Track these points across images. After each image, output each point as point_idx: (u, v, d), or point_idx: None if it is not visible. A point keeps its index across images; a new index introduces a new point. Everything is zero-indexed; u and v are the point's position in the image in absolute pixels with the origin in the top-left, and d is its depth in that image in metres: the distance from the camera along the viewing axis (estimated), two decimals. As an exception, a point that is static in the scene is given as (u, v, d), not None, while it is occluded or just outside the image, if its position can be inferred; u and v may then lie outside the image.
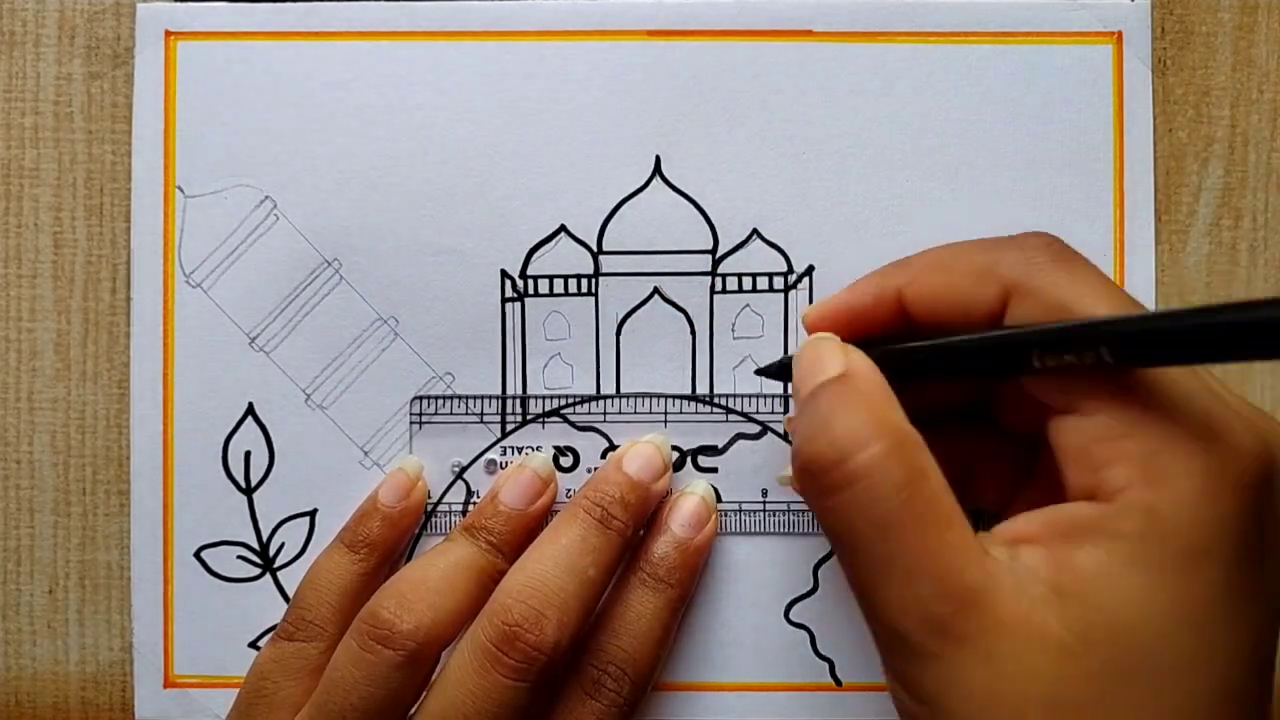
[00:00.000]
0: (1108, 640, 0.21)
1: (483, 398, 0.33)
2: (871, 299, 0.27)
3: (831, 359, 0.25)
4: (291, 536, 0.33)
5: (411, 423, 0.33)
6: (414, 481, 0.33)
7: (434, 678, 0.29)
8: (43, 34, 0.34)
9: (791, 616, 0.33)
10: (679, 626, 0.33)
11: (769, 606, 0.33)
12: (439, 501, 0.33)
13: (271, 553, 0.34)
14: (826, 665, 0.33)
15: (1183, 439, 0.22)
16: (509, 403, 0.33)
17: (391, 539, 0.32)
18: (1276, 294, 0.34)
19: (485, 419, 0.33)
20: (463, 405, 0.33)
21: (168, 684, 0.34)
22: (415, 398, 0.33)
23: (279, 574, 0.34)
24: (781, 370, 0.31)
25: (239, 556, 0.33)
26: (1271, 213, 0.34)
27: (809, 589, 0.33)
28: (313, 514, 0.33)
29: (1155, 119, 0.34)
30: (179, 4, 0.34)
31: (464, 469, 0.33)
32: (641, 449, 0.32)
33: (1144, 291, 0.33)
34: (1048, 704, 0.21)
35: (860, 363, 0.25)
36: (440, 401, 0.33)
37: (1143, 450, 0.22)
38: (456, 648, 0.29)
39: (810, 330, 0.28)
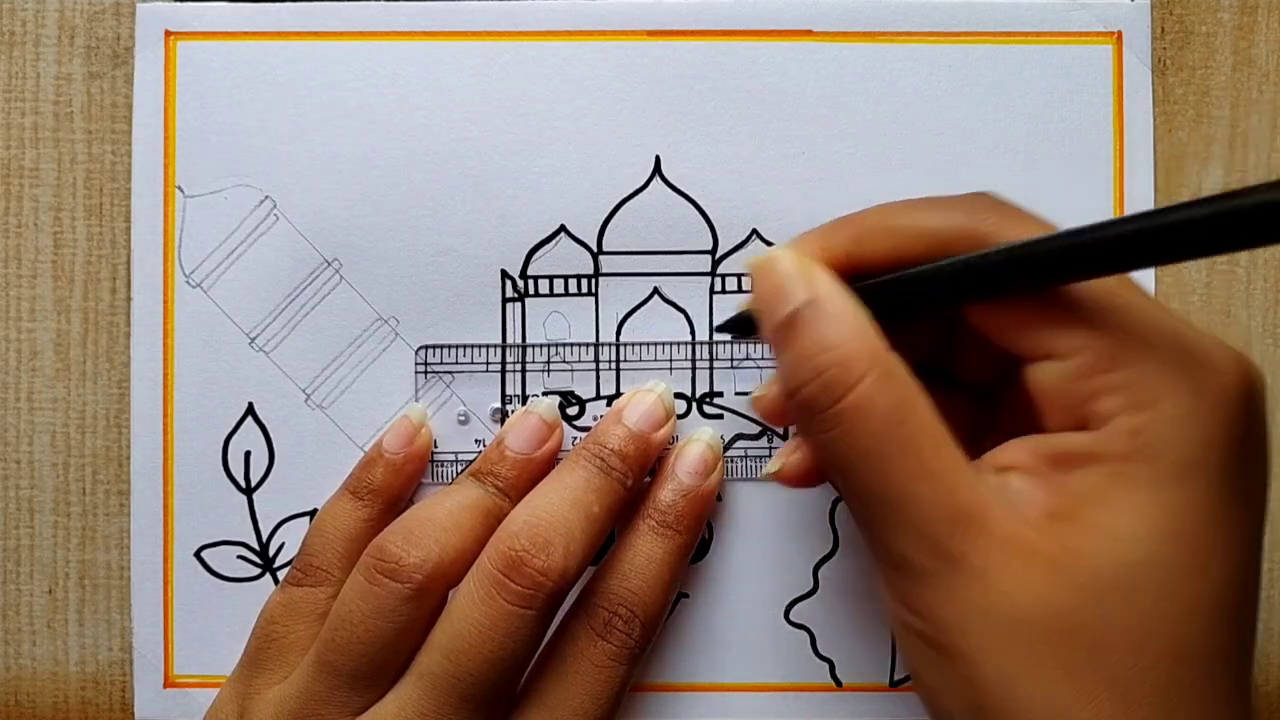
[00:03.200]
0: (1098, 555, 0.22)
1: (487, 346, 0.33)
2: (815, 259, 0.27)
3: (795, 283, 0.25)
4: (291, 536, 0.33)
5: (417, 371, 0.33)
6: (418, 428, 0.33)
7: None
8: (43, 34, 0.34)
9: (791, 617, 0.33)
10: (682, 627, 0.33)
11: (769, 606, 0.33)
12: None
13: (271, 553, 0.34)
14: (826, 665, 0.33)
15: (1164, 364, 0.22)
16: (509, 359, 0.33)
17: (396, 486, 0.32)
18: (1270, 295, 0.34)
19: (490, 368, 0.33)
20: (468, 354, 0.33)
21: (168, 684, 0.34)
22: (421, 346, 0.33)
23: (279, 574, 0.34)
24: (743, 325, 0.31)
25: (239, 556, 0.33)
26: (1271, 213, 0.34)
27: (809, 589, 0.33)
28: (313, 514, 0.33)
29: (1155, 119, 0.34)
30: (179, 4, 0.34)
31: (468, 416, 0.34)
32: (642, 398, 0.32)
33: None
34: (1041, 617, 0.22)
35: (829, 284, 0.25)
36: (445, 350, 0.33)
37: (1127, 379, 0.23)
38: (463, 581, 0.29)
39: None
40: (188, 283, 0.33)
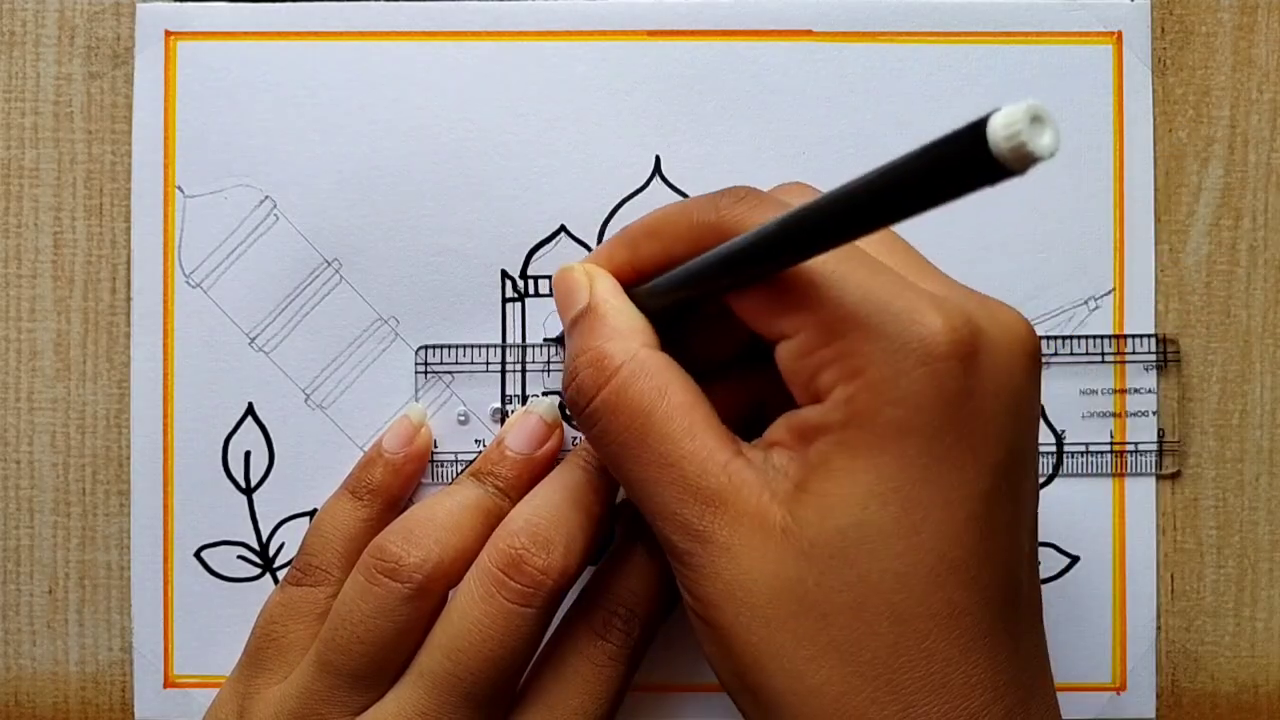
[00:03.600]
0: (818, 522, 0.23)
1: (487, 346, 0.33)
2: (601, 268, 0.29)
3: (579, 291, 0.28)
4: (291, 536, 0.33)
5: (418, 371, 0.33)
6: (418, 428, 0.33)
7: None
8: (43, 34, 0.34)
9: (791, 616, 0.33)
10: (682, 627, 0.33)
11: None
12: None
13: (271, 553, 0.34)
14: (826, 665, 0.33)
15: (869, 332, 0.23)
16: (508, 361, 0.33)
17: (395, 485, 0.32)
18: (1270, 295, 0.34)
19: (490, 368, 0.33)
20: (468, 354, 0.33)
21: (168, 684, 0.34)
22: (421, 346, 0.33)
23: (279, 574, 0.34)
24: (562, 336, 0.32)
25: (239, 556, 0.33)
26: (1271, 213, 0.34)
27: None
28: (313, 514, 0.33)
29: (1155, 119, 0.34)
30: (179, 4, 0.34)
31: (468, 416, 0.34)
32: None
33: (1144, 291, 0.33)
34: (777, 587, 0.24)
35: (603, 290, 0.28)
36: (445, 350, 0.33)
37: (839, 351, 0.24)
38: (463, 580, 0.29)
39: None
40: (188, 283, 0.33)
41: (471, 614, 0.28)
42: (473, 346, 0.33)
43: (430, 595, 0.29)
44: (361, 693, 0.28)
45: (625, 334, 0.27)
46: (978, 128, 0.17)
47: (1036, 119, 0.17)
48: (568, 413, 0.31)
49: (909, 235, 0.34)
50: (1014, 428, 0.24)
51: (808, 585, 0.23)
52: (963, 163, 0.18)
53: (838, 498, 0.23)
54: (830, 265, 0.24)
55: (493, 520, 0.30)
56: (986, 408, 0.23)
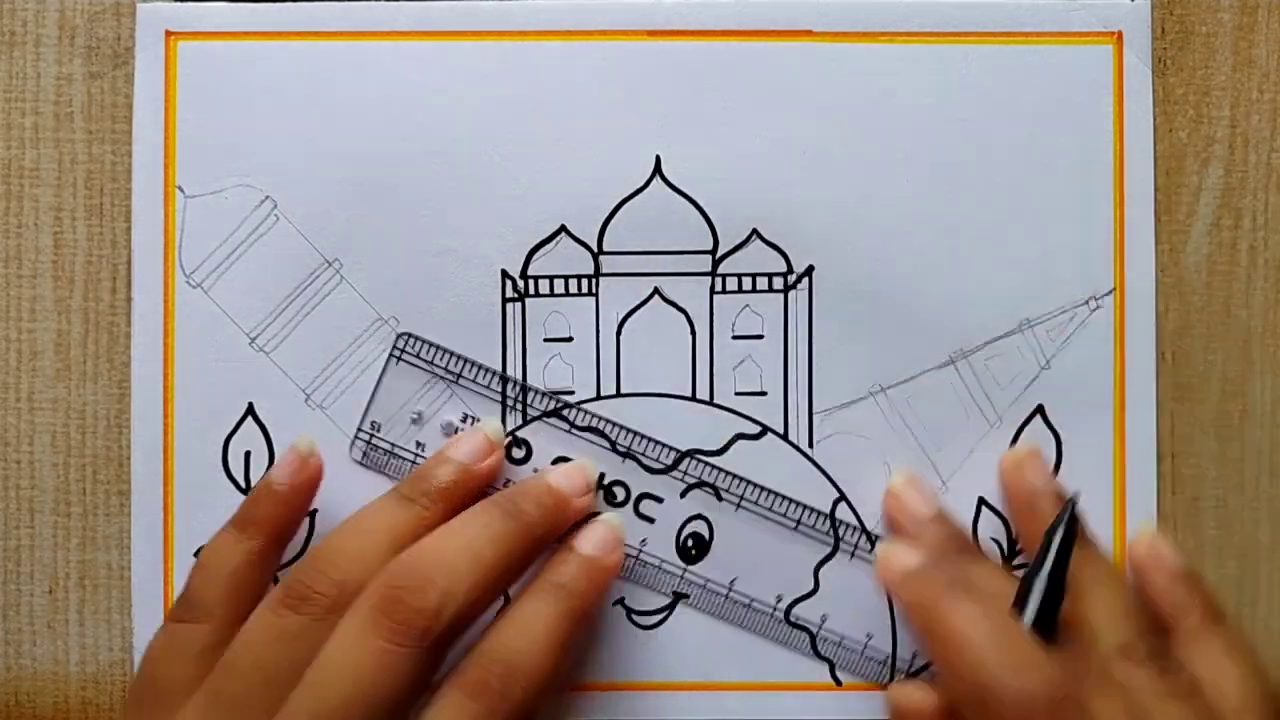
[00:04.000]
0: None
1: (464, 360, 0.33)
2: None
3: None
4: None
5: (391, 355, 0.33)
6: (304, 459, 0.32)
7: None
8: (43, 34, 0.34)
9: (791, 617, 0.33)
10: (682, 627, 0.33)
11: (769, 606, 0.33)
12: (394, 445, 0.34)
13: (271, 553, 0.33)
14: (826, 665, 0.33)
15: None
16: (509, 387, 0.34)
17: (282, 518, 0.31)
18: (1270, 295, 0.34)
19: (461, 381, 0.33)
20: (444, 360, 0.33)
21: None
22: (404, 333, 0.33)
23: (279, 575, 0.34)
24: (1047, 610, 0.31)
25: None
26: (1271, 213, 0.34)
27: (809, 589, 0.33)
28: (313, 514, 0.33)
29: (1155, 119, 0.34)
30: (179, 4, 0.34)
31: (421, 418, 0.33)
32: (568, 467, 0.32)
33: (1144, 291, 0.33)
34: None
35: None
36: (428, 348, 0.33)
37: None
38: (343, 616, 0.28)
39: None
40: (188, 283, 0.33)
41: (344, 650, 0.27)
42: (454, 355, 0.33)
43: (332, 626, 0.28)
44: None
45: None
46: None
47: None
48: (548, 479, 0.31)
49: (909, 233, 0.34)
50: None
51: None
52: None
53: None
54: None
55: (407, 543, 0.29)
56: None
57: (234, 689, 0.28)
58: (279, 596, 0.29)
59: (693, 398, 0.33)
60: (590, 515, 0.32)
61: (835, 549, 0.33)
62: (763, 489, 0.33)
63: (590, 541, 0.31)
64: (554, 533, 0.31)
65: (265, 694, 0.27)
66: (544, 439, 0.33)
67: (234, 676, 0.28)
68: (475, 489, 0.31)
